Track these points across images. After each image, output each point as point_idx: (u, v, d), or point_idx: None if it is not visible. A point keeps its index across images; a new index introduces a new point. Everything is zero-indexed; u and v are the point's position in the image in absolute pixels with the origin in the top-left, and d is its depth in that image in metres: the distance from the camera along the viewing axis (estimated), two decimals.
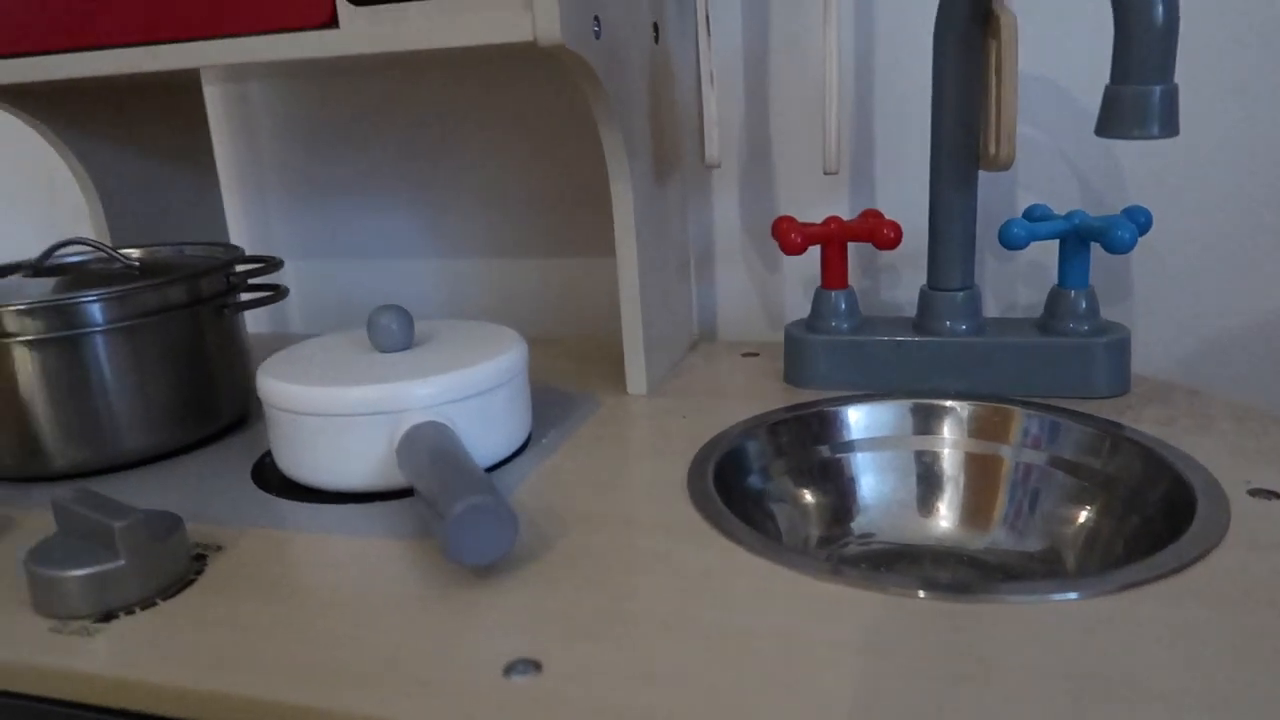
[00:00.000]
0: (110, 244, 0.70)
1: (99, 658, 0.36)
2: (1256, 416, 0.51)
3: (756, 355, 0.68)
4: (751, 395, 0.60)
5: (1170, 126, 0.44)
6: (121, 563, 0.39)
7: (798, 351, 0.60)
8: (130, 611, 0.39)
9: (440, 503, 0.39)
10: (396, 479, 0.48)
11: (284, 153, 0.84)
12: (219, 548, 0.44)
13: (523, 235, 0.80)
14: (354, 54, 0.51)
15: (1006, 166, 0.55)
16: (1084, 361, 0.55)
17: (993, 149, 0.55)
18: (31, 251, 0.90)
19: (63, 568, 0.39)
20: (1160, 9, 0.43)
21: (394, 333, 0.52)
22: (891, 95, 0.67)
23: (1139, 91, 0.44)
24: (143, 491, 0.51)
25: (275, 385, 0.49)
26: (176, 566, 0.41)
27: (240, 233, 0.87)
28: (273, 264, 0.61)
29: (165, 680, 0.34)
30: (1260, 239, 0.62)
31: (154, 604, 0.39)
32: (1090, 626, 0.34)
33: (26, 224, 0.93)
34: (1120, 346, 0.55)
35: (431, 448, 0.44)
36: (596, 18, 0.51)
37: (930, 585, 0.36)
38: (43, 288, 0.56)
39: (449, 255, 0.82)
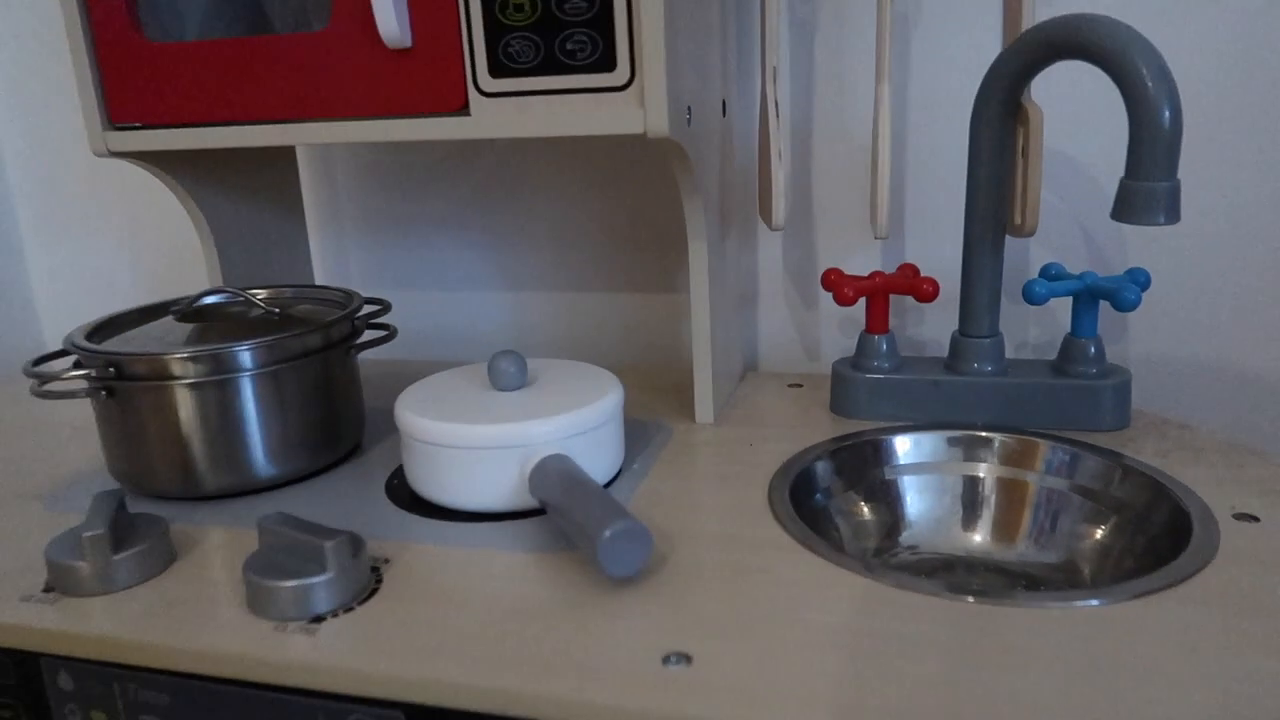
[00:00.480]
0: (227, 284, 0.78)
1: (327, 651, 0.44)
2: (1238, 450, 0.61)
3: (801, 386, 0.78)
4: (805, 424, 0.69)
5: (1173, 215, 0.53)
6: (330, 575, 0.47)
7: (845, 387, 0.70)
8: (335, 615, 0.47)
9: (589, 526, 0.48)
10: (524, 501, 0.56)
11: (361, 193, 0.92)
12: (386, 560, 0.53)
13: (586, 271, 0.88)
14: (483, 138, 0.60)
15: (1030, 234, 0.64)
16: (1093, 400, 0.65)
17: (1019, 219, 0.65)
18: (142, 287, 0.98)
19: (281, 579, 0.47)
20: (1167, 116, 0.52)
21: (512, 375, 0.60)
22: (921, 163, 0.76)
23: (1149, 188, 0.53)
24: (291, 510, 0.60)
25: (417, 421, 0.57)
26: (363, 578, 0.49)
27: (322, 269, 0.95)
28: (386, 308, 0.70)
29: (387, 669, 0.43)
30: (1243, 296, 0.72)
31: (351, 609, 0.48)
32: (1111, 627, 0.43)
33: (146, 264, 1.01)
34: (1123, 387, 0.65)
35: (563, 477, 0.53)
36: (689, 107, 0.60)
37: (979, 592, 0.46)
38: (193, 332, 0.64)
39: (517, 289, 0.91)
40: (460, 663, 0.43)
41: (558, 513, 0.52)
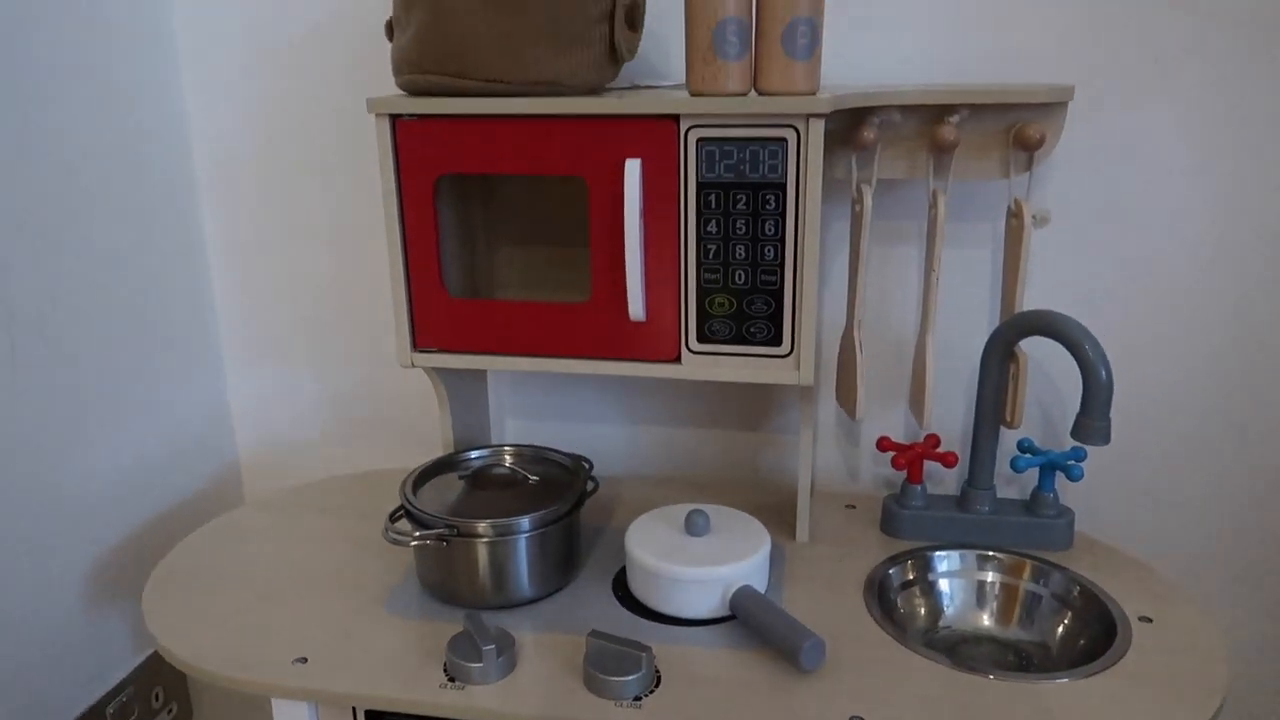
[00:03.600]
0: (456, 440, 1.09)
1: (658, 717, 0.78)
2: (1137, 564, 1.00)
3: (854, 508, 1.14)
4: (867, 543, 1.05)
5: (1107, 440, 0.91)
6: (644, 671, 0.81)
7: (893, 518, 1.06)
8: (643, 697, 0.81)
9: (791, 638, 0.83)
10: (720, 612, 0.91)
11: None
12: (647, 648, 0.87)
13: (687, 410, 1.23)
14: (689, 381, 0.94)
15: (1017, 428, 1.02)
16: (1050, 532, 1.03)
17: (1009, 418, 1.03)
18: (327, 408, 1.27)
19: (618, 675, 0.81)
20: (1103, 375, 0.90)
21: (702, 526, 0.95)
22: (942, 366, 1.13)
23: (1094, 424, 0.91)
24: (551, 619, 0.93)
25: (657, 562, 0.91)
26: (652, 670, 0.83)
27: (498, 402, 1.26)
28: (591, 465, 1.03)
29: None
30: (1171, 452, 1.12)
31: (652, 692, 0.82)
32: (1077, 693, 0.81)
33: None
34: (1070, 523, 1.03)
35: (757, 601, 0.88)
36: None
37: (996, 668, 0.83)
38: (478, 494, 0.97)
39: (636, 423, 1.25)
40: None
41: (757, 626, 0.87)
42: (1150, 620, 0.91)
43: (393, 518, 0.95)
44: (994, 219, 1.07)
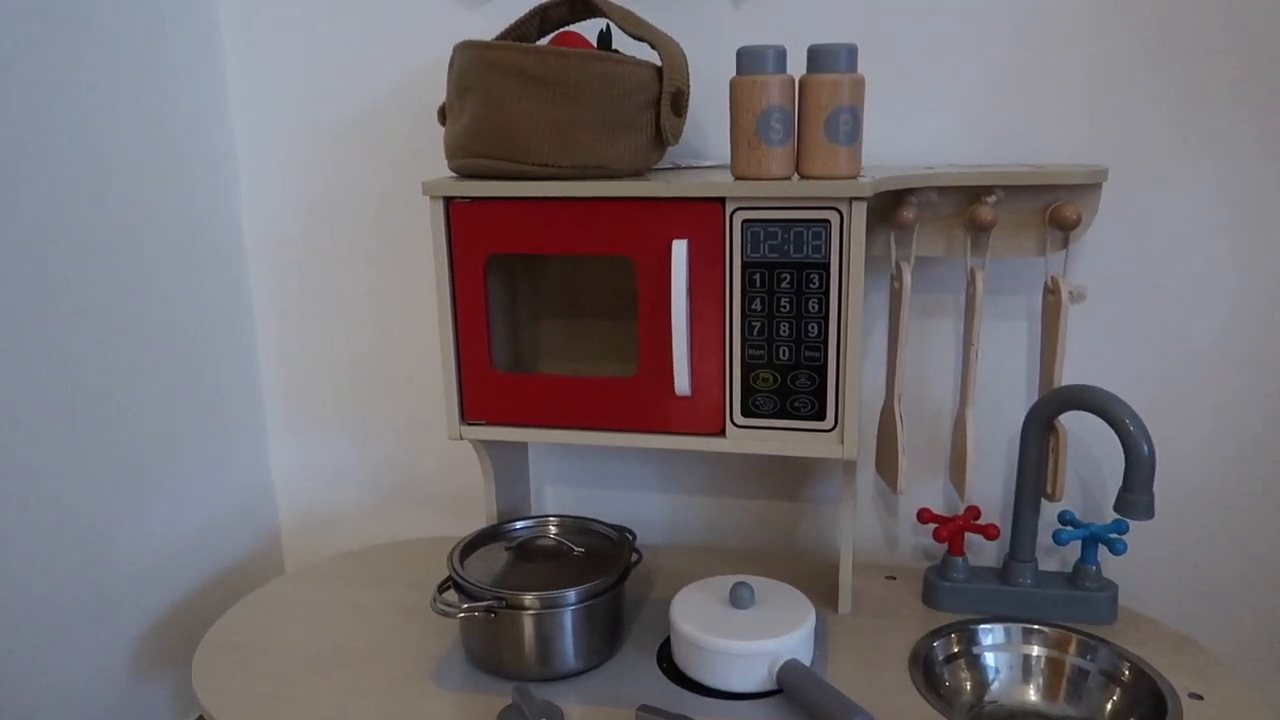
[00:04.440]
0: (500, 511, 1.11)
1: None
2: (1184, 640, 1.00)
3: (895, 579, 1.14)
4: (909, 614, 1.05)
5: (1151, 515, 0.91)
6: None
7: (935, 590, 1.07)
8: None
9: (838, 714, 0.83)
10: (765, 686, 0.91)
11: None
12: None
13: (726, 480, 1.24)
14: (731, 453, 0.96)
15: (1058, 500, 1.03)
16: (1095, 606, 1.02)
17: (1050, 490, 1.03)
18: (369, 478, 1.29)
19: None
20: (1145, 451, 0.90)
21: (747, 599, 0.95)
22: (981, 437, 1.14)
23: (1136, 499, 0.91)
24: (596, 692, 0.93)
25: (703, 636, 0.91)
26: None
27: (538, 472, 1.28)
28: (635, 538, 1.04)
29: None
30: (1208, 529, 1.12)
31: None
32: None
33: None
34: (1114, 597, 1.03)
35: (805, 676, 0.88)
36: None
37: None
38: (524, 566, 0.98)
39: (675, 493, 1.26)
40: None
41: (805, 701, 0.87)
42: (1201, 697, 0.90)
43: (440, 589, 0.96)
44: (1030, 293, 1.09)
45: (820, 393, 0.93)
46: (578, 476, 1.28)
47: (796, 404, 0.93)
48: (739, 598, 0.95)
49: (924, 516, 1.08)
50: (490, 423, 1.01)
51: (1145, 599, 1.15)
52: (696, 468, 1.24)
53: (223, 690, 0.93)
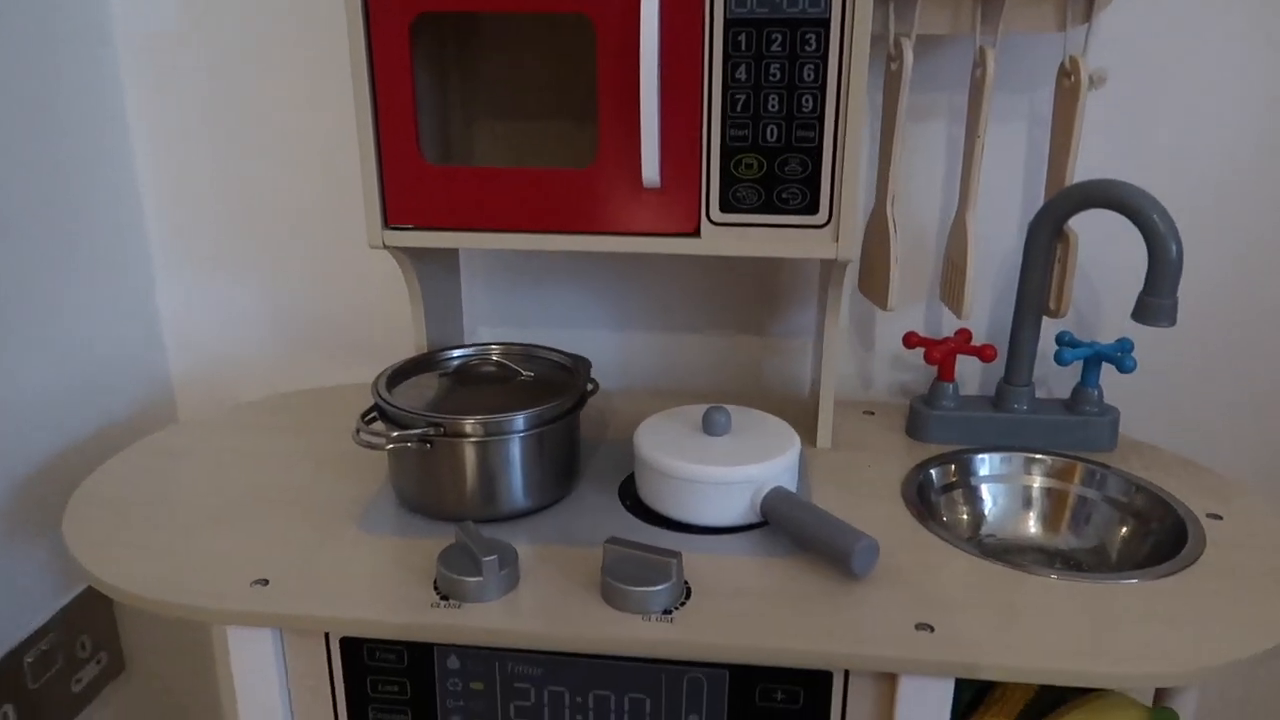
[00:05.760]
0: (430, 340, 0.96)
1: (688, 632, 0.67)
2: (1189, 465, 0.92)
3: (873, 414, 1.03)
4: (894, 448, 0.95)
5: (1173, 321, 0.81)
6: (674, 580, 0.69)
7: (922, 420, 0.96)
8: (674, 610, 0.69)
9: (839, 541, 0.72)
10: (747, 518, 0.79)
11: (491, 250, 1.10)
12: (676, 554, 0.75)
13: (684, 315, 1.11)
14: (709, 255, 0.82)
15: (1063, 316, 0.92)
16: (1096, 431, 0.93)
17: (1054, 305, 0.93)
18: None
19: (643, 585, 0.69)
20: (1174, 250, 0.80)
21: (724, 424, 0.83)
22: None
23: (1159, 303, 0.81)
24: (552, 532, 0.80)
25: (670, 461, 0.79)
26: (682, 579, 0.72)
27: (470, 307, 1.12)
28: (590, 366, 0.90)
29: (726, 641, 0.66)
30: (1200, 359, 1.03)
31: (682, 605, 0.70)
32: (1151, 593, 0.71)
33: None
34: (1115, 422, 0.94)
35: (793, 504, 0.77)
36: None
37: (1058, 569, 0.73)
38: (466, 391, 0.83)
39: (625, 329, 1.12)
40: (779, 635, 0.67)
41: (797, 529, 0.76)
42: (1220, 518, 0.82)
43: (365, 419, 0.82)
44: (1031, 90, 0.97)
45: (813, 181, 0.79)
46: (518, 314, 1.13)
47: (785, 195, 0.80)
48: (714, 423, 0.83)
49: (911, 340, 0.97)
50: (419, 226, 0.85)
51: (1141, 431, 1.07)
52: (651, 300, 1.10)
53: (103, 547, 0.77)
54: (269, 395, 1.09)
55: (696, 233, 0.82)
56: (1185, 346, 1.04)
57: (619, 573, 0.70)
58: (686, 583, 0.73)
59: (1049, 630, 0.67)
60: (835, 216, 0.80)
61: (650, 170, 0.78)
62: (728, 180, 0.80)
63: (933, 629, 0.67)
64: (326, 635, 0.72)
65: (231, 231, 1.13)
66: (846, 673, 0.68)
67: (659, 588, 0.69)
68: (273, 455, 0.93)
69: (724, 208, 0.80)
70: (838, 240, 0.80)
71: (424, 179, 0.83)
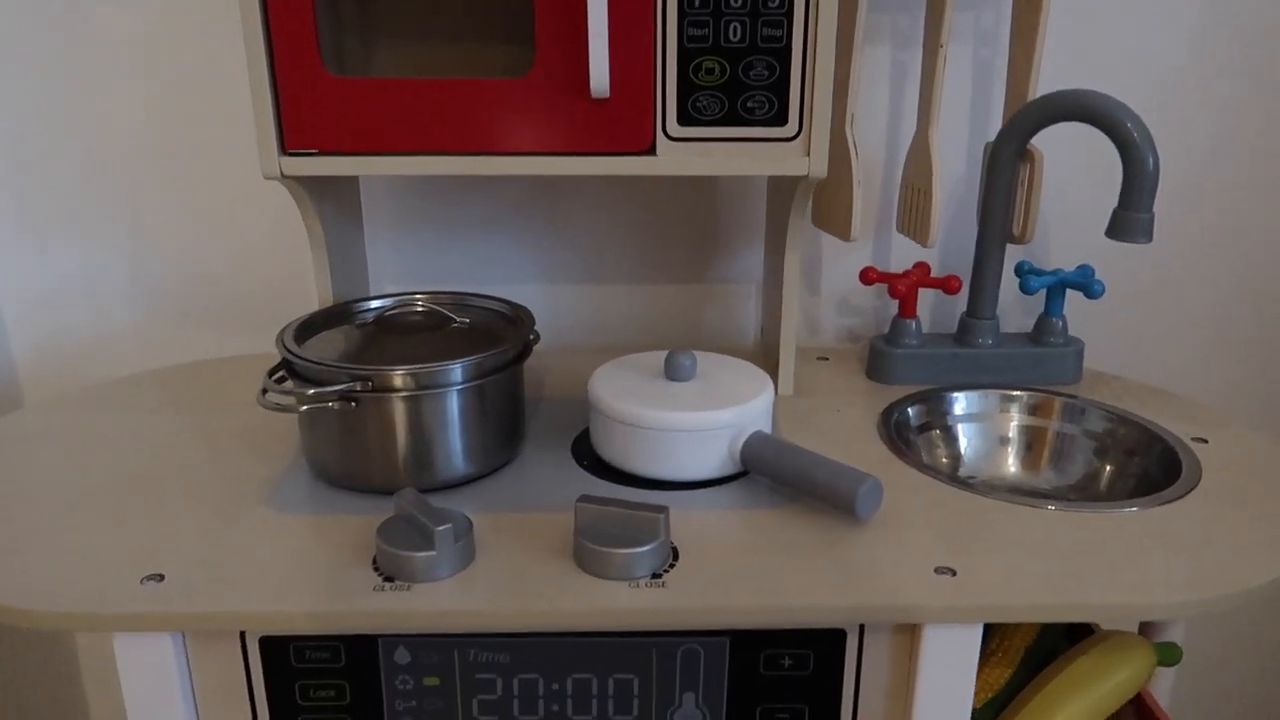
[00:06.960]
0: (336, 293, 0.83)
1: (682, 597, 0.57)
2: (1158, 392, 0.88)
3: (828, 360, 0.96)
4: (859, 391, 0.88)
5: (1150, 237, 0.77)
6: (661, 538, 0.60)
7: (883, 359, 0.89)
8: (663, 574, 0.60)
9: (840, 484, 0.64)
10: (725, 469, 0.70)
11: (397, 198, 0.98)
12: (663, 508, 0.65)
13: (612, 266, 1.01)
14: (666, 175, 0.72)
15: (1028, 242, 0.87)
16: (1061, 362, 0.89)
17: (1018, 231, 0.87)
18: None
19: (628, 546, 0.59)
20: (1151, 161, 0.75)
21: (689, 369, 0.74)
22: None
23: (1136, 217, 0.76)
24: (501, 499, 0.70)
25: (635, 410, 0.69)
26: (669, 538, 0.62)
27: (376, 267, 0.99)
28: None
29: (730, 602, 0.57)
30: (1161, 287, 1.00)
31: (671, 568, 0.61)
32: (1154, 520, 0.66)
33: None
34: (1080, 353, 0.90)
35: (780, 449, 0.68)
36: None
37: (1057, 500, 0.67)
38: (393, 342, 0.71)
39: (549, 282, 1.01)
40: (788, 591, 0.58)
41: (788, 475, 0.67)
42: (1205, 441, 0.78)
43: (273, 377, 0.68)
44: (977, 6, 0.91)
45: (781, 88, 0.70)
46: (430, 269, 1.01)
47: (750, 104, 0.71)
48: (679, 367, 0.74)
49: (870, 276, 0.90)
50: (323, 151, 0.72)
51: (1097, 362, 1.03)
52: (579, 249, 1.00)
53: None
54: (138, 372, 0.93)
55: (651, 150, 0.72)
56: (1139, 269, 1.01)
57: (597, 534, 0.60)
58: (672, 543, 0.63)
59: (1076, 564, 0.61)
60: (806, 128, 0.71)
61: (599, 77, 0.68)
62: (686, 87, 0.70)
63: (954, 572, 0.60)
64: (242, 635, 0.59)
65: (71, 180, 0.96)
66: (861, 629, 0.60)
67: (646, 548, 0.59)
68: (151, 435, 0.78)
69: (682, 120, 0.71)
70: (809, 154, 0.72)
71: (328, 92, 0.70)
